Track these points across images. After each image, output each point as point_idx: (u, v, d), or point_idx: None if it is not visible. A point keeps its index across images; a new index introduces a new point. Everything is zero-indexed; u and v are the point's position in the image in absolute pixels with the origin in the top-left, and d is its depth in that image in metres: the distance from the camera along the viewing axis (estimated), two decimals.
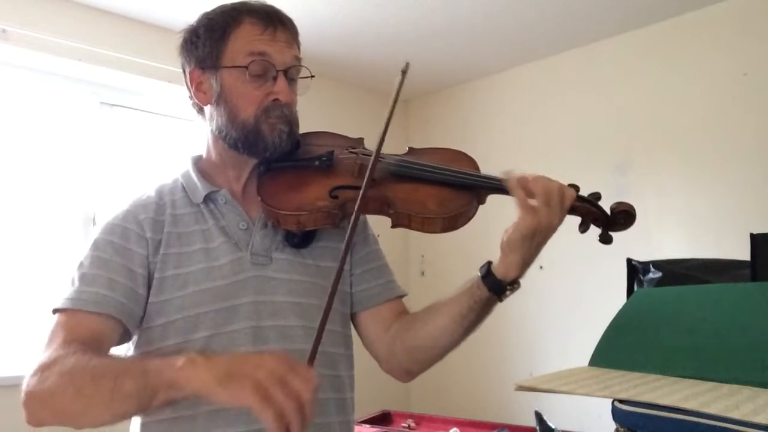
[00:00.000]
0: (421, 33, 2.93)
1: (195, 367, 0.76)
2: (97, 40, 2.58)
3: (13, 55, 2.46)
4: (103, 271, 0.96)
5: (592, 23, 2.85)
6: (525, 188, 0.94)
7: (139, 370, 0.79)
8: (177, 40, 1.10)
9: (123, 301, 0.95)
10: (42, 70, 2.58)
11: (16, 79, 2.54)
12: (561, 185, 0.96)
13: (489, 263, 0.98)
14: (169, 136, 2.97)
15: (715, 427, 0.61)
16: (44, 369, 0.84)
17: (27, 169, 2.54)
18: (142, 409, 0.81)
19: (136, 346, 1.01)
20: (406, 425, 2.87)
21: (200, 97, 1.06)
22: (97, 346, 0.90)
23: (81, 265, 0.98)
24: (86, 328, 0.92)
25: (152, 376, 0.78)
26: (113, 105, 2.80)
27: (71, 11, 2.55)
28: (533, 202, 0.93)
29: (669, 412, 0.64)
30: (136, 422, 1.00)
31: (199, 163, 1.12)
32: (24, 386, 0.85)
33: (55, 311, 0.95)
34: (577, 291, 2.95)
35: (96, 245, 0.99)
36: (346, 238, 0.87)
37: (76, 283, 0.96)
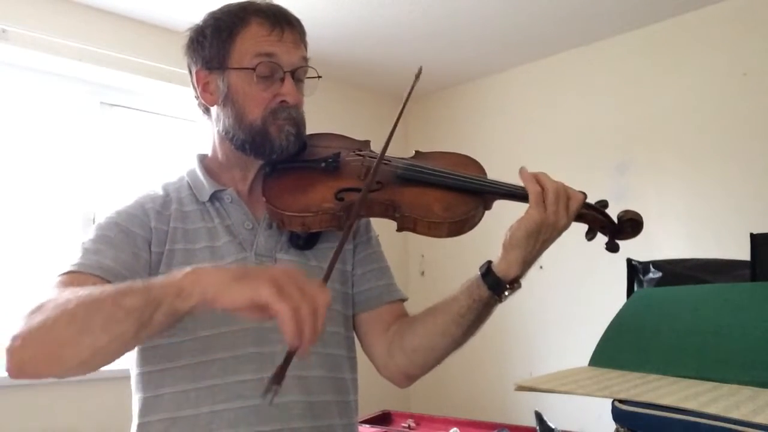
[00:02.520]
0: (421, 33, 2.93)
1: (205, 272, 0.74)
2: (97, 40, 2.58)
3: (13, 55, 2.46)
4: (107, 246, 0.95)
5: (592, 23, 2.86)
6: (539, 182, 0.95)
7: (141, 286, 0.76)
8: (183, 40, 1.10)
9: (125, 274, 0.93)
10: (42, 70, 2.58)
11: (16, 79, 2.54)
12: (568, 187, 0.96)
13: (489, 262, 0.98)
14: (169, 136, 2.98)
15: (715, 427, 0.60)
16: (35, 310, 0.79)
17: (27, 169, 2.54)
18: (142, 327, 0.74)
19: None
20: (406, 425, 2.87)
21: (207, 97, 1.06)
22: None
23: (83, 242, 0.97)
24: (86, 284, 0.86)
25: (156, 289, 0.74)
26: (113, 105, 2.80)
27: (71, 11, 2.55)
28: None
29: (669, 412, 0.64)
30: (134, 424, 1.00)
31: (205, 161, 1.12)
32: (11, 332, 0.78)
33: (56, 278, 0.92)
34: (577, 291, 2.95)
35: (100, 226, 0.99)
36: (343, 233, 0.87)
37: (79, 254, 0.94)
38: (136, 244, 0.98)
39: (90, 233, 0.99)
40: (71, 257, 0.95)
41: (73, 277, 0.90)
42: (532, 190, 0.94)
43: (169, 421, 0.95)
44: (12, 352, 0.77)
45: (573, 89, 3.12)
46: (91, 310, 0.75)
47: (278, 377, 0.69)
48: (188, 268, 0.75)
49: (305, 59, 1.06)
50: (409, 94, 1.04)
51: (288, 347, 0.70)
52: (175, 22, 2.69)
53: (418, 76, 1.06)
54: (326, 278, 0.80)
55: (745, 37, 2.59)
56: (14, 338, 0.77)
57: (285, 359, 0.70)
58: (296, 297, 0.69)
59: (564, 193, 0.94)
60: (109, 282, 0.90)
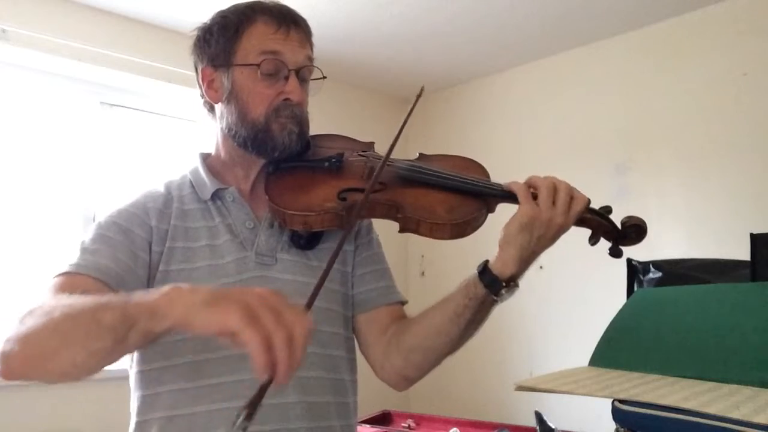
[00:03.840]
0: (421, 33, 2.94)
1: (179, 293, 0.69)
2: (97, 40, 2.58)
3: (13, 55, 2.46)
4: (106, 246, 0.95)
5: (592, 23, 2.86)
6: (529, 184, 0.96)
7: (119, 301, 0.73)
8: (184, 40, 1.10)
9: (123, 275, 0.93)
10: (42, 70, 2.58)
11: (16, 79, 2.54)
12: (571, 187, 0.96)
13: (487, 261, 0.98)
14: (169, 136, 2.98)
15: (715, 427, 0.61)
16: (28, 314, 0.79)
17: (27, 169, 2.54)
18: (117, 344, 0.72)
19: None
20: (406, 425, 2.87)
21: (211, 94, 1.06)
22: None
23: (83, 242, 0.97)
24: (81, 288, 0.86)
25: (132, 306, 0.71)
26: (113, 105, 2.80)
27: (71, 11, 2.55)
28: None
29: (669, 412, 0.64)
30: (132, 422, 1.00)
31: (207, 160, 1.12)
32: (5, 335, 0.79)
33: (53, 278, 0.92)
34: (577, 291, 2.95)
35: (100, 225, 0.99)
36: (342, 234, 0.87)
37: (77, 254, 0.94)
38: (135, 244, 0.97)
39: (90, 232, 0.99)
40: (69, 257, 0.95)
41: (69, 278, 0.90)
42: (518, 188, 0.96)
43: (166, 419, 0.95)
44: (3, 356, 0.77)
45: (573, 89, 3.12)
46: (72, 323, 0.74)
47: (251, 408, 0.60)
48: (166, 288, 0.71)
49: (310, 59, 1.06)
50: (411, 111, 1.04)
51: (259, 378, 0.62)
52: (175, 22, 2.69)
53: (419, 96, 1.07)
54: (310, 303, 0.73)
55: (745, 37, 2.59)
56: (6, 341, 0.78)
57: (259, 390, 0.62)
58: (269, 324, 0.62)
59: (563, 190, 0.94)
60: (105, 282, 0.91)
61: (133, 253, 0.97)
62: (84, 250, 0.95)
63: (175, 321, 0.68)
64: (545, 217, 0.92)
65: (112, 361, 0.77)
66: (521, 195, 0.95)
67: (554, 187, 0.94)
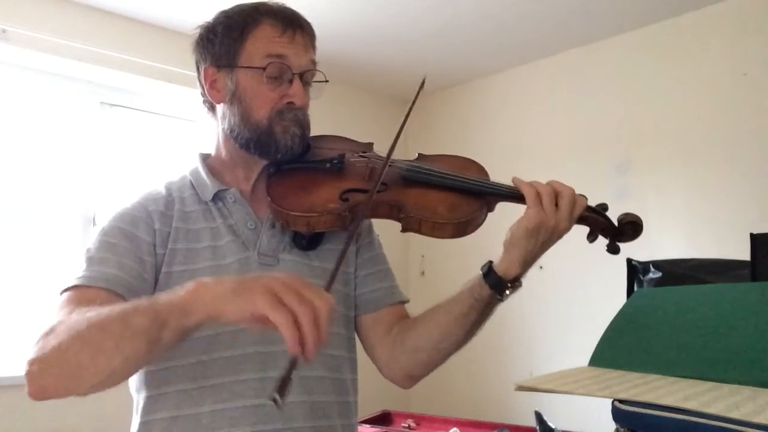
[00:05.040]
0: (421, 33, 2.93)
1: (205, 287, 0.75)
2: (97, 40, 2.58)
3: (13, 55, 2.46)
4: (111, 254, 0.95)
5: (592, 23, 2.85)
6: (534, 187, 0.97)
7: (147, 305, 0.77)
8: (185, 40, 1.10)
9: (131, 281, 0.94)
10: (42, 70, 2.59)
11: (16, 79, 2.54)
12: (573, 191, 0.97)
13: (490, 262, 0.99)
14: (169, 136, 2.98)
15: (715, 427, 0.60)
16: (48, 333, 0.81)
17: (27, 169, 2.54)
18: (152, 345, 0.77)
19: None
20: (406, 425, 2.87)
21: (214, 95, 1.06)
22: None
23: (88, 250, 0.97)
24: (93, 301, 0.88)
25: (161, 306, 0.76)
26: (113, 105, 2.80)
27: (71, 11, 2.55)
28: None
29: (669, 412, 0.64)
30: (135, 422, 1.00)
31: (207, 160, 1.12)
32: (27, 357, 0.81)
33: (62, 293, 0.93)
34: (577, 291, 2.95)
35: (104, 231, 0.99)
36: (348, 235, 0.87)
37: (84, 265, 0.94)
38: (141, 249, 0.98)
39: (94, 239, 0.99)
40: (76, 268, 0.95)
41: (79, 293, 0.91)
42: (528, 191, 0.96)
43: (170, 419, 0.95)
44: (31, 377, 0.80)
45: (573, 89, 3.12)
46: (101, 333, 0.77)
47: (284, 384, 0.67)
48: (190, 284, 0.76)
49: (314, 62, 1.07)
50: (413, 102, 1.05)
51: (289, 354, 0.69)
52: (175, 22, 2.69)
53: (422, 86, 1.07)
54: (330, 283, 0.79)
55: (745, 37, 2.59)
56: (31, 363, 0.80)
57: (289, 365, 0.69)
58: (294, 305, 0.69)
59: (566, 196, 0.96)
60: (115, 293, 0.91)
61: (140, 258, 0.97)
62: (90, 259, 0.95)
63: (207, 314, 0.74)
64: (551, 223, 0.94)
65: (148, 362, 0.82)
66: (530, 198, 0.95)
67: (557, 192, 0.96)
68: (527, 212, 0.95)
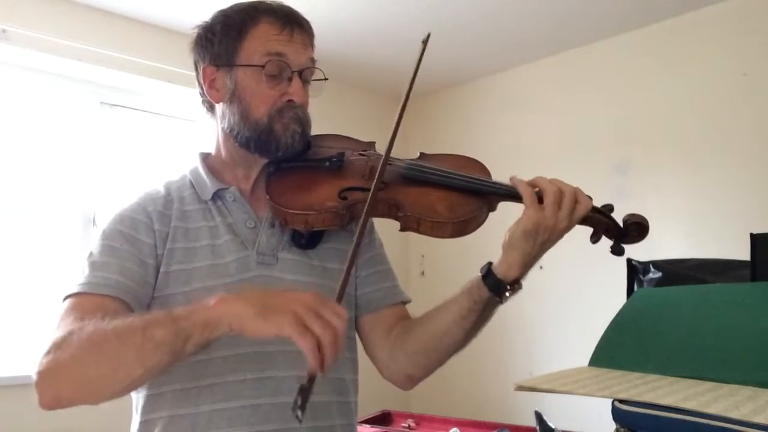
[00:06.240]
0: (421, 33, 2.93)
1: (229, 303, 0.78)
2: (97, 40, 2.58)
3: (13, 55, 2.46)
4: (114, 258, 0.95)
5: (592, 23, 2.85)
6: (533, 185, 0.95)
7: (166, 318, 0.80)
8: (185, 39, 1.10)
9: (134, 286, 0.94)
10: (42, 70, 2.59)
11: (16, 79, 2.54)
12: (577, 190, 0.96)
13: (490, 263, 0.98)
14: (169, 136, 2.98)
15: (715, 427, 0.61)
16: (59, 344, 0.82)
17: (27, 169, 2.54)
18: (175, 357, 0.80)
19: None
20: (406, 425, 2.87)
21: (213, 94, 1.06)
22: None
23: (90, 254, 0.97)
24: (99, 309, 0.89)
25: (183, 321, 0.78)
26: (113, 105, 2.80)
27: (71, 11, 2.55)
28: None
29: (669, 412, 0.64)
30: (135, 421, 1.00)
31: (207, 160, 1.12)
32: (36, 368, 0.82)
33: (65, 299, 0.93)
34: (577, 291, 2.95)
35: (105, 235, 0.99)
36: (356, 235, 0.87)
37: (87, 270, 0.95)
38: (143, 252, 0.98)
39: (96, 243, 0.99)
40: (78, 273, 0.95)
41: (84, 300, 0.91)
42: (525, 192, 0.95)
43: (169, 418, 0.95)
44: (44, 388, 0.82)
45: (573, 89, 3.12)
46: (120, 345, 0.79)
47: (304, 400, 0.72)
48: (213, 299, 0.79)
49: (313, 60, 1.07)
50: (418, 65, 1.03)
51: (308, 372, 0.74)
52: (175, 22, 2.69)
53: (425, 42, 1.05)
54: (341, 294, 0.82)
55: (745, 37, 2.59)
56: (41, 374, 0.81)
57: (308, 381, 0.74)
58: (317, 329, 0.73)
59: (568, 195, 0.94)
60: (120, 299, 0.92)
61: (142, 261, 0.97)
62: (93, 264, 0.95)
63: (230, 328, 0.77)
64: (550, 223, 0.92)
65: (168, 369, 0.84)
66: (527, 199, 0.94)
67: (560, 192, 0.94)
68: (525, 213, 0.94)
